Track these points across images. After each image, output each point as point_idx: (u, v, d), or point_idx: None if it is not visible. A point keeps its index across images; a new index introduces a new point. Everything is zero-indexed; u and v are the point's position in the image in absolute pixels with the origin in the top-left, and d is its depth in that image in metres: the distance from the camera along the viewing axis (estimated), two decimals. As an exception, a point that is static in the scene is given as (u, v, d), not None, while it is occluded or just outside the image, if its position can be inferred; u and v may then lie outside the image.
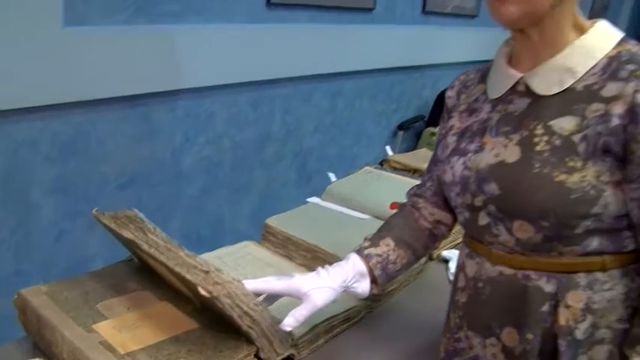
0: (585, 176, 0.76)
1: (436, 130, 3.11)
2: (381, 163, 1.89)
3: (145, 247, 0.92)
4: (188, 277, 0.84)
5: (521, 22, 0.81)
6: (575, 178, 0.77)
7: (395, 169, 1.74)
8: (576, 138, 0.77)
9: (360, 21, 2.71)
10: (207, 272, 0.85)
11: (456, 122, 0.97)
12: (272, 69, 2.28)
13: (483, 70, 0.97)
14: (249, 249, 1.32)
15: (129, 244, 1.00)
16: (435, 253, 1.39)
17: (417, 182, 1.11)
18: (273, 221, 1.37)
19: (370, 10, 2.74)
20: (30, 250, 1.76)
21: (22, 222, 1.71)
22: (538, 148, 0.80)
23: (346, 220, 1.41)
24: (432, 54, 3.28)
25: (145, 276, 1.07)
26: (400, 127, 3.23)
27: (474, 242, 0.91)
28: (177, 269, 0.86)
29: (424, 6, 3.10)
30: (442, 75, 3.42)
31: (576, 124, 0.78)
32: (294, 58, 2.36)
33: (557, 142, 0.79)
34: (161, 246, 0.92)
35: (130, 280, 1.05)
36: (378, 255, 0.97)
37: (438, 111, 3.29)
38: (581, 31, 0.82)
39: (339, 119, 2.80)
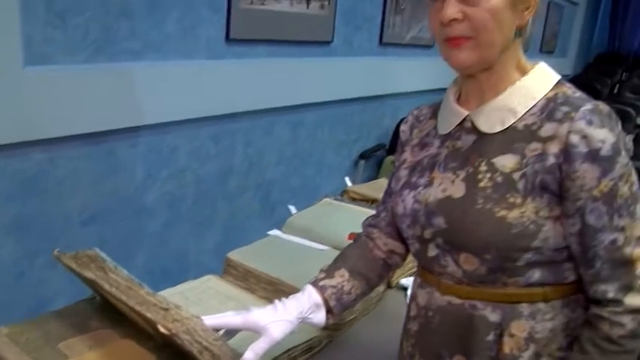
0: (524, 212, 0.81)
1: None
2: (342, 194, 1.94)
3: (106, 286, 0.94)
4: (148, 315, 0.86)
5: (473, 67, 0.87)
6: (515, 213, 0.82)
7: (354, 200, 1.79)
8: (516, 175, 0.83)
9: (318, 54, 2.78)
10: (166, 309, 0.87)
11: (408, 156, 1.02)
12: (233, 103, 2.33)
13: (435, 106, 1.02)
14: (211, 283, 1.34)
15: (91, 283, 1.02)
16: (394, 282, 1.43)
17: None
18: (234, 255, 1.40)
19: (328, 43, 2.82)
20: (-10, 290, 1.74)
21: (-20, 262, 1.70)
22: (481, 184, 0.85)
23: (306, 251, 1.45)
24: (391, 84, 3.38)
25: (107, 314, 1.08)
26: (362, 156, 3.30)
27: (425, 272, 0.95)
28: (138, 308, 0.88)
29: (381, 38, 3.19)
30: (402, 104, 3.51)
31: (517, 162, 0.83)
32: (255, 92, 2.41)
33: (499, 179, 0.84)
34: (122, 285, 0.94)
35: (91, 318, 1.06)
36: (333, 286, 1.00)
37: (398, 139, 3.37)
38: (523, 72, 0.88)
39: (301, 150, 2.85)
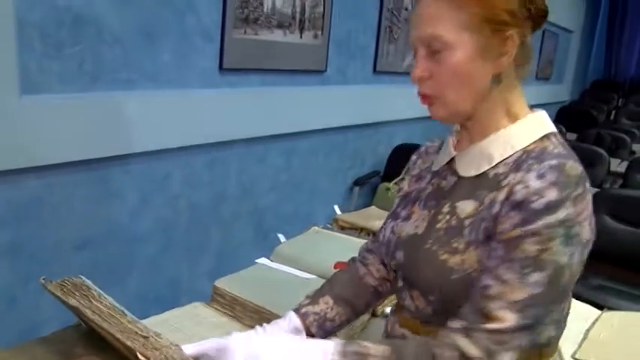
0: (465, 259, 0.82)
1: (391, 185, 3.22)
2: (331, 223, 1.96)
3: (89, 314, 0.96)
4: (128, 343, 0.88)
5: (449, 120, 0.89)
6: (456, 259, 0.83)
7: (343, 229, 1.81)
8: (467, 222, 0.84)
9: (312, 83, 2.83)
10: (146, 337, 0.89)
11: (405, 185, 1.05)
12: (226, 131, 2.36)
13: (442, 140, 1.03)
14: (197, 310, 1.36)
15: (75, 311, 1.04)
16: (379, 310, 1.45)
17: (364, 241, 1.18)
18: (221, 283, 1.42)
19: (322, 72, 2.87)
20: (-19, 316, 1.76)
21: (-27, 288, 1.72)
22: (438, 225, 0.87)
23: (293, 280, 1.47)
24: (386, 111, 3.42)
25: (92, 341, 1.09)
26: (356, 182, 3.33)
27: (397, 302, 0.98)
28: (119, 335, 0.90)
29: (375, 66, 3.25)
30: (397, 131, 3.55)
31: (474, 209, 0.84)
32: (248, 120, 2.44)
33: (453, 222, 0.85)
34: (104, 312, 0.96)
35: (76, 345, 1.08)
36: (316, 313, 1.02)
37: (393, 166, 3.41)
38: (514, 119, 0.87)
39: (294, 177, 2.88)
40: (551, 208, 0.77)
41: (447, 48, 0.83)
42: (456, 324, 0.81)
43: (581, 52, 8.07)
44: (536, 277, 0.78)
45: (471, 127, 0.89)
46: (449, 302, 0.84)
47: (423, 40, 0.85)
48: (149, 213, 2.16)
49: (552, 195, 0.77)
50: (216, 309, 1.38)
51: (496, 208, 0.81)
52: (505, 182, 0.82)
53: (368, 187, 3.47)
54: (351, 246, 1.54)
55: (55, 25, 1.72)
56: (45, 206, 1.84)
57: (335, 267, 1.43)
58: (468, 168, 0.89)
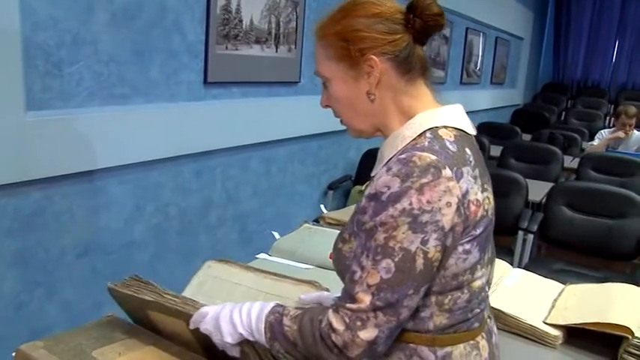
0: (352, 247, 0.94)
1: (363, 187, 3.40)
2: (317, 220, 2.12)
3: (165, 303, 1.09)
4: None
5: (361, 137, 1.06)
6: (346, 247, 0.96)
7: (330, 225, 1.97)
8: (353, 215, 0.96)
9: (287, 93, 3.00)
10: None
11: None
12: (212, 140, 2.50)
13: None
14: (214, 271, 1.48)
15: (144, 305, 1.15)
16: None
17: None
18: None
19: (296, 83, 3.04)
20: (-10, 323, 1.85)
21: (-16, 296, 1.81)
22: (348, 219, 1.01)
23: (295, 271, 1.61)
24: (354, 119, 3.60)
25: (128, 327, 1.23)
26: (330, 187, 3.50)
27: None
28: None
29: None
30: (365, 137, 3.74)
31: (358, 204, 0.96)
32: (231, 130, 2.59)
33: (352, 216, 0.98)
34: (179, 301, 1.09)
35: (115, 331, 1.21)
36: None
37: (363, 170, 3.60)
38: (406, 121, 0.97)
39: (274, 183, 3.04)
40: (393, 198, 0.85)
41: (328, 80, 1.01)
42: (334, 301, 0.92)
43: (531, 57, 8.47)
44: (384, 263, 0.85)
45: (383, 134, 1.03)
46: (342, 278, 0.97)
47: (318, 76, 1.03)
48: (143, 220, 2.28)
49: (395, 186, 0.85)
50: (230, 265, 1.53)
51: (362, 202, 0.91)
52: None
53: (341, 191, 3.65)
54: (342, 238, 1.70)
55: (56, 46, 1.85)
56: (48, 216, 1.94)
57: (330, 257, 1.58)
58: (374, 169, 1.01)
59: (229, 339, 0.98)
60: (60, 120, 1.89)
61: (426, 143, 0.90)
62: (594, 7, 8.55)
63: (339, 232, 1.79)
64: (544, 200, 3.21)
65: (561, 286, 1.76)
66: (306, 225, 1.92)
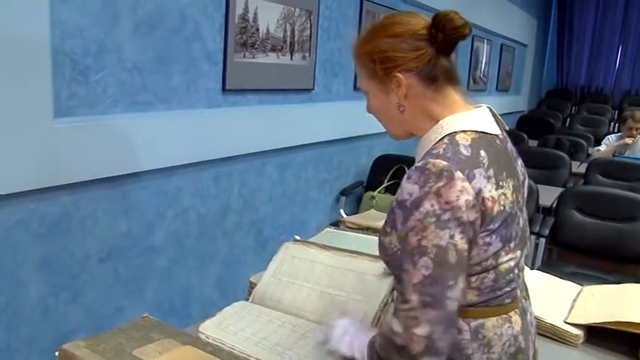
0: (392, 240, 1.04)
1: (375, 193, 3.44)
2: (337, 225, 2.15)
3: None
4: None
5: (399, 139, 1.16)
6: (387, 239, 1.05)
7: (350, 229, 2.00)
8: (390, 209, 1.05)
9: (302, 100, 3.04)
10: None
11: None
12: (230, 147, 2.55)
13: None
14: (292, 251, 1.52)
15: None
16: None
17: (372, 237, 1.40)
18: (256, 278, 1.59)
19: (310, 90, 3.08)
20: (18, 327, 1.88)
21: (11, 299, 1.84)
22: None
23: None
24: (366, 125, 3.62)
25: (164, 328, 1.26)
26: (342, 193, 3.54)
27: None
28: None
29: (355, 84, 3.48)
30: (376, 143, 3.79)
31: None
32: (248, 137, 2.63)
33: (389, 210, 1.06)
34: None
35: (152, 331, 1.24)
36: None
37: (375, 176, 3.63)
38: (436, 123, 1.07)
39: (289, 189, 3.08)
40: (416, 203, 0.95)
41: (367, 93, 1.13)
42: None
43: (536, 64, 8.52)
44: (422, 261, 0.95)
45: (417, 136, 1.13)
46: (395, 274, 1.09)
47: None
48: (163, 225, 2.32)
49: (415, 193, 0.95)
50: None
51: (393, 203, 1.02)
52: None
53: (353, 197, 3.68)
54: (363, 241, 1.73)
55: (82, 54, 1.89)
56: (74, 221, 1.99)
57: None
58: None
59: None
60: (86, 126, 1.93)
61: (441, 150, 0.99)
62: (597, 14, 8.61)
63: (360, 235, 1.84)
64: (554, 205, 3.24)
65: (578, 287, 1.80)
66: (328, 229, 1.95)
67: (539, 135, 5.79)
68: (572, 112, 8.52)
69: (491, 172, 0.99)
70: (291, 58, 2.84)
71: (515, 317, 1.09)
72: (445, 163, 0.95)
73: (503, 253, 1.03)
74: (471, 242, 0.97)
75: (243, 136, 2.61)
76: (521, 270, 1.12)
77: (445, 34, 1.04)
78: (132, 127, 2.08)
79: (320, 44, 3.08)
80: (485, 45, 6.00)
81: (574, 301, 1.67)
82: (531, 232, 3.00)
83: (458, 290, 0.96)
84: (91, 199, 2.02)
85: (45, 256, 1.91)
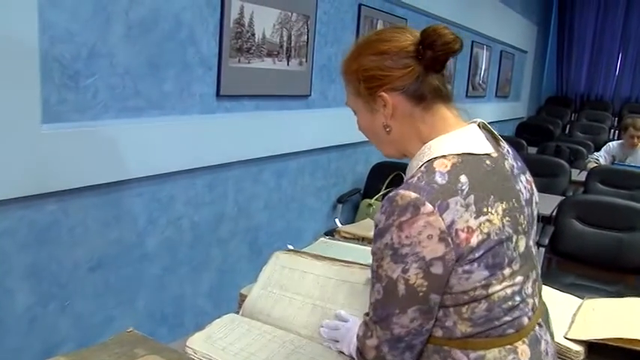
0: None
1: (372, 201, 3.40)
2: (332, 234, 2.11)
3: None
4: None
5: (393, 158, 1.13)
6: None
7: (345, 239, 1.96)
8: None
9: (298, 106, 3.00)
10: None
11: None
12: (224, 153, 2.50)
13: None
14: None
15: None
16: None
17: (367, 248, 1.36)
18: (246, 290, 1.54)
19: (307, 96, 3.04)
20: (3, 337, 1.83)
21: (-3, 309, 1.80)
22: None
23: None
24: (363, 132, 3.60)
25: (149, 343, 1.22)
26: (339, 200, 3.49)
27: None
28: None
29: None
30: (373, 150, 3.69)
31: None
32: (243, 143, 2.59)
33: None
34: None
35: (136, 347, 1.20)
36: None
37: (372, 183, 3.59)
38: (423, 145, 1.03)
39: (285, 196, 3.03)
40: (379, 233, 0.95)
41: (355, 112, 1.11)
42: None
43: (535, 70, 8.50)
44: (377, 286, 0.98)
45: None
46: None
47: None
48: (155, 233, 2.28)
49: (381, 223, 0.95)
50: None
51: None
52: None
53: (350, 204, 3.64)
54: (359, 252, 1.69)
55: (72, 59, 1.85)
56: (63, 229, 1.94)
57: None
58: None
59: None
60: (75, 132, 1.88)
61: (415, 179, 0.95)
62: (597, 21, 8.60)
63: (355, 245, 1.80)
64: (554, 213, 3.20)
65: (579, 300, 1.75)
66: (322, 239, 1.91)
67: (539, 142, 5.75)
68: (572, 119, 8.50)
69: (471, 199, 0.94)
70: (288, 64, 2.80)
71: (523, 347, 1.02)
72: (414, 195, 0.93)
73: (494, 282, 0.97)
74: (440, 275, 0.94)
75: (239, 142, 2.56)
76: (531, 296, 1.05)
77: (434, 50, 1.00)
78: (123, 133, 2.03)
79: (317, 50, 3.04)
80: (485, 51, 5.97)
81: (574, 315, 1.62)
82: (531, 242, 2.96)
83: (405, 319, 0.97)
84: (80, 207, 1.98)
85: (32, 265, 1.87)
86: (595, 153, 5.13)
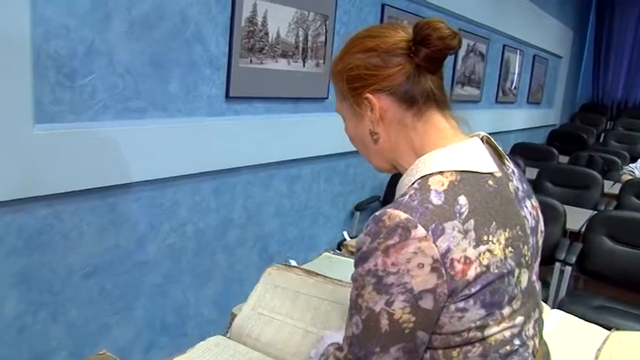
0: None
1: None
2: (339, 248, 1.98)
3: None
4: None
5: (383, 172, 1.01)
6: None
7: (352, 253, 1.83)
8: None
9: (314, 109, 2.87)
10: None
11: None
12: (233, 158, 2.39)
13: None
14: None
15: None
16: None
17: None
18: (238, 309, 1.43)
19: (324, 99, 2.92)
20: (-9, 346, 1.75)
21: (-16, 317, 1.71)
22: None
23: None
24: (384, 137, 3.47)
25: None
26: (357, 207, 3.36)
27: None
28: None
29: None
30: (394, 157, 3.60)
31: None
32: (253, 147, 2.48)
33: None
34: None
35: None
36: None
37: (392, 191, 3.44)
38: (417, 158, 0.91)
39: (298, 203, 2.91)
40: (362, 257, 0.82)
41: (343, 118, 1.00)
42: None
43: (570, 76, 8.22)
44: (355, 319, 0.85)
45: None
46: None
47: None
48: (157, 239, 2.18)
49: (365, 245, 0.82)
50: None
51: None
52: None
53: (368, 212, 3.50)
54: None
55: (68, 56, 1.76)
56: (56, 234, 1.85)
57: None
58: None
59: None
60: (70, 134, 1.79)
61: (407, 197, 0.83)
62: (637, 26, 8.28)
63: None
64: (583, 229, 3.01)
65: (606, 332, 1.59)
66: (326, 254, 1.79)
67: (571, 151, 5.53)
68: (607, 127, 8.19)
69: (470, 224, 0.81)
70: (304, 65, 2.67)
71: None
72: (404, 215, 0.80)
73: (491, 323, 0.84)
74: (431, 311, 0.81)
75: (248, 146, 2.45)
76: (532, 338, 0.92)
77: (428, 47, 0.87)
78: (123, 136, 1.93)
79: (336, 51, 2.91)
80: (517, 56, 5.76)
81: (599, 350, 1.46)
82: (556, 259, 2.78)
83: (387, 359, 0.84)
84: (75, 211, 1.89)
85: (22, 272, 1.78)
86: (631, 164, 4.90)
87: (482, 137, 0.94)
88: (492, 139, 0.96)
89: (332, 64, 0.98)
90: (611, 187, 4.30)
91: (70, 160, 1.80)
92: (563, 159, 5.37)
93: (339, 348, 0.91)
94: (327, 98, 2.92)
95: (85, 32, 1.78)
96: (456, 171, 0.85)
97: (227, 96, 2.32)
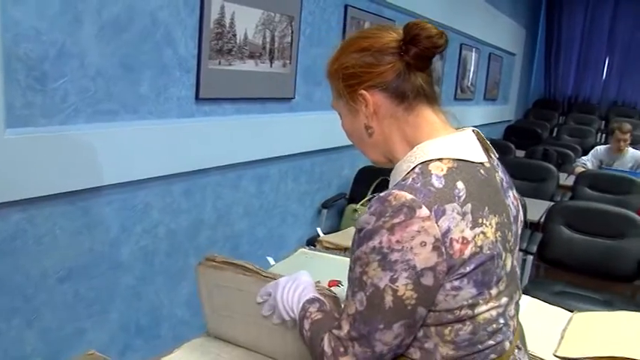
0: None
1: (357, 206, 3.32)
2: (313, 244, 2.02)
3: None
4: None
5: (381, 166, 1.06)
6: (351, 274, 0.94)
7: (327, 249, 1.88)
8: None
9: (281, 110, 2.91)
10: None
11: None
12: (202, 159, 2.41)
13: None
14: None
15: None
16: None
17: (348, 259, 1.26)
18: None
19: (290, 99, 2.96)
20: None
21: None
22: None
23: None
24: (348, 135, 3.52)
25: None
26: (324, 205, 3.41)
27: None
28: None
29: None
30: (359, 155, 3.62)
31: None
32: (223, 148, 2.50)
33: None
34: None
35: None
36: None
37: (358, 188, 3.51)
38: (411, 149, 0.96)
39: (266, 202, 2.94)
40: (367, 235, 0.86)
41: (340, 115, 1.06)
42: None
43: (523, 73, 8.46)
44: (359, 295, 0.89)
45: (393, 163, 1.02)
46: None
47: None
48: (129, 242, 2.18)
49: (369, 224, 0.86)
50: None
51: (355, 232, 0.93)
52: None
53: (335, 209, 3.56)
54: (340, 264, 1.61)
55: (39, 59, 1.75)
56: (29, 239, 1.84)
57: (329, 285, 1.50)
58: None
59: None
60: (42, 137, 1.78)
61: (410, 180, 0.88)
62: (584, 24, 8.60)
63: (338, 257, 1.72)
64: (542, 220, 3.14)
65: (568, 314, 1.68)
66: (302, 250, 1.82)
67: (527, 145, 5.71)
68: (560, 122, 8.48)
69: (467, 207, 0.87)
70: (271, 66, 2.71)
71: None
72: (409, 196, 0.85)
73: (481, 302, 0.91)
74: (431, 288, 0.87)
75: (218, 147, 2.47)
76: (512, 319, 0.99)
77: (417, 45, 0.94)
78: (94, 139, 1.93)
79: (302, 51, 2.96)
80: (474, 54, 5.91)
81: (564, 330, 1.55)
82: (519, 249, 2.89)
83: (389, 336, 0.89)
84: (48, 215, 1.88)
85: (-5, 278, 1.77)
86: (582, 157, 5.10)
87: (473, 130, 1.02)
88: (482, 134, 1.03)
89: (328, 65, 1.03)
90: (566, 179, 4.47)
91: (43, 165, 1.79)
92: (520, 153, 5.55)
93: (337, 326, 0.93)
94: (293, 98, 2.97)
95: (56, 35, 1.78)
96: (452, 159, 0.91)
97: (197, 97, 2.34)
